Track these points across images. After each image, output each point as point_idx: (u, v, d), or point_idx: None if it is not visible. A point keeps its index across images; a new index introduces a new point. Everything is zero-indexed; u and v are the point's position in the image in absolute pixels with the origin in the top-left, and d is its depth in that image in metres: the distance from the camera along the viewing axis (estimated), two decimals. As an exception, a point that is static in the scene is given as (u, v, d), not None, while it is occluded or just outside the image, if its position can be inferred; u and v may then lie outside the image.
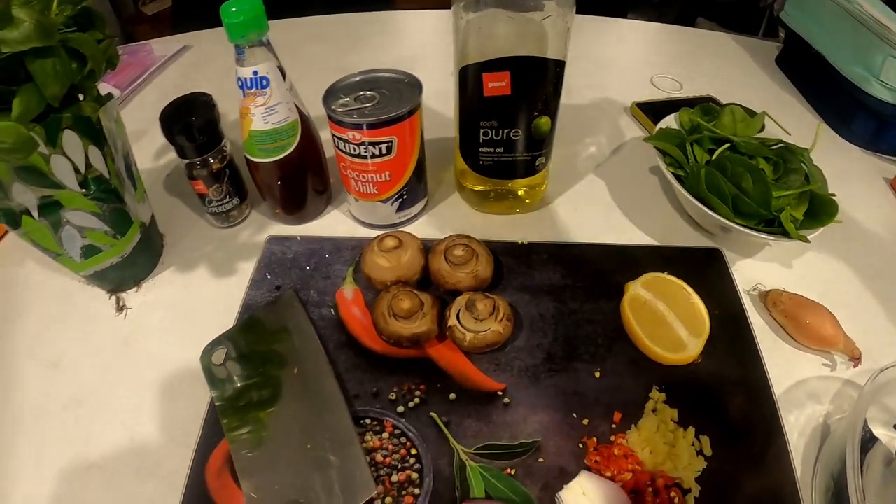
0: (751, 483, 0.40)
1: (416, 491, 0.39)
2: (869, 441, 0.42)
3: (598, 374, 0.45)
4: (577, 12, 0.45)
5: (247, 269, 0.52)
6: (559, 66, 0.48)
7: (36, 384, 0.46)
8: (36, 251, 0.46)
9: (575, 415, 0.43)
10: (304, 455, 0.40)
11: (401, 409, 0.43)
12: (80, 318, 0.50)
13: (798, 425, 0.44)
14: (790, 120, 0.87)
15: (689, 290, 0.48)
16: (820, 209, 0.52)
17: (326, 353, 0.46)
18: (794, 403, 0.45)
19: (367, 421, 0.42)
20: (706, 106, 0.63)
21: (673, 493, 0.39)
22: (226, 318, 0.48)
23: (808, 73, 0.89)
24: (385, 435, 0.42)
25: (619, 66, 0.95)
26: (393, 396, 0.44)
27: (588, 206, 0.63)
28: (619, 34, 1.07)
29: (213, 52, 0.91)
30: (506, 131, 0.51)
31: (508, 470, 0.40)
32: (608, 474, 0.40)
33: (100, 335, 0.49)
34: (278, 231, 0.56)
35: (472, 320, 0.45)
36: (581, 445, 0.41)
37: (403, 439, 0.42)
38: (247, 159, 0.52)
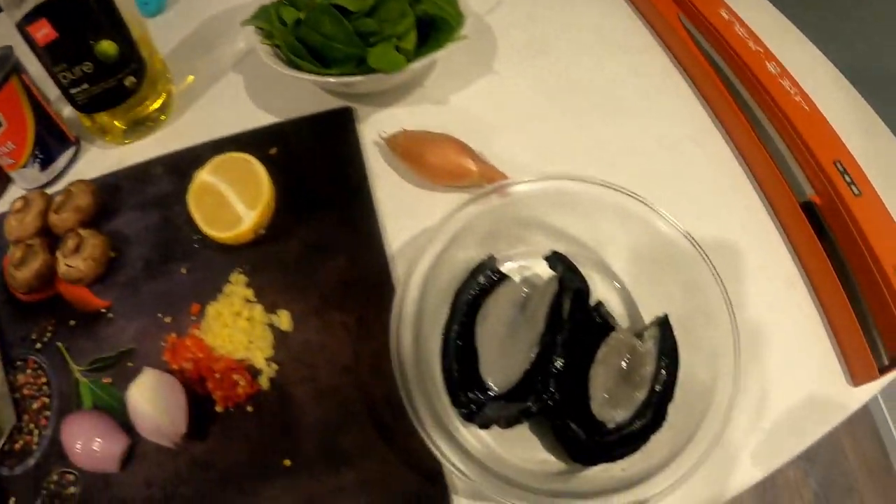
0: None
1: (48, 413, 0.44)
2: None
3: (184, 271, 0.46)
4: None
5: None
6: None
7: None
8: None
9: (159, 314, 0.44)
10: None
11: (38, 346, 0.47)
12: None
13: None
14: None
15: (252, 159, 0.45)
16: (437, 28, 0.44)
17: (-9, 310, 0.51)
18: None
19: (20, 363, 0.48)
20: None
21: (236, 376, 0.40)
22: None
23: None
24: (28, 371, 0.47)
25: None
26: (34, 336, 0.48)
27: (221, 103, 0.58)
28: None
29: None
30: (78, 68, 0.49)
31: (107, 379, 0.43)
32: (175, 367, 0.41)
33: None
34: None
35: (65, 256, 0.46)
36: (164, 343, 0.43)
37: (40, 371, 0.46)
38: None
